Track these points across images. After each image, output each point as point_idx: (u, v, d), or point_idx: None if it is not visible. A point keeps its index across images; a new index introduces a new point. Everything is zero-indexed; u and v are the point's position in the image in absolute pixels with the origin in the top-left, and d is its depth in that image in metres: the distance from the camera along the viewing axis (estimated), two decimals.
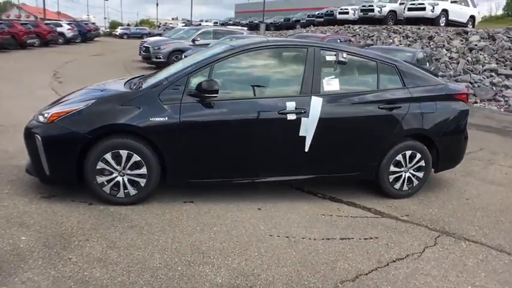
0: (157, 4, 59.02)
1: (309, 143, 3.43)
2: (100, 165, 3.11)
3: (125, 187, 3.21)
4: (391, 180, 3.82)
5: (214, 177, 3.44)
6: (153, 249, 2.67)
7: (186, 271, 2.46)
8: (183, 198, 3.48)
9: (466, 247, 3.04)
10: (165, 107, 3.16)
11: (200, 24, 33.13)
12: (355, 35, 17.59)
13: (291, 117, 3.34)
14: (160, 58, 12.96)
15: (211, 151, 3.34)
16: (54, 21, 27.70)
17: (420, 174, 3.89)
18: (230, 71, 3.52)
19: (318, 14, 25.09)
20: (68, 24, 27.32)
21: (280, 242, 2.91)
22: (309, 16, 26.46)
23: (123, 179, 3.19)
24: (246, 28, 23.05)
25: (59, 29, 24.23)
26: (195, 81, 3.24)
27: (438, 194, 4.10)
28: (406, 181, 3.87)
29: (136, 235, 2.84)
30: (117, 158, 3.13)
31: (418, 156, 3.82)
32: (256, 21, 30.83)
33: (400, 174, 3.84)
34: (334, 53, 3.59)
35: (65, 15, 65.45)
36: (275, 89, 3.57)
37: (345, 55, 3.60)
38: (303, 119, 3.37)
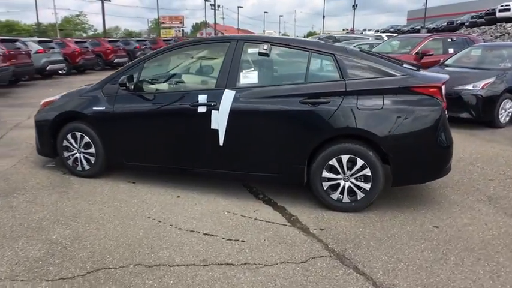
0: (323, 17, 61.13)
1: (223, 136, 3.40)
2: (64, 143, 4.00)
3: (81, 162, 4.01)
4: (325, 188, 3.30)
5: (143, 162, 3.82)
6: (49, 206, 3.31)
7: (44, 223, 3.00)
8: (129, 178, 4.02)
9: (344, 277, 2.44)
10: (105, 98, 3.79)
11: (362, 33, 32.31)
12: (503, 34, 13.85)
13: (202, 109, 3.40)
14: None
15: (139, 138, 3.75)
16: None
17: (366, 186, 3.20)
18: (158, 67, 3.85)
19: (480, 14, 22.60)
20: None
21: (146, 224, 3.08)
22: (472, 18, 24.44)
23: (80, 155, 4.00)
24: (385, 35, 21.15)
25: None
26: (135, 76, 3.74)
27: (394, 214, 3.25)
28: (346, 192, 3.26)
29: (57, 196, 3.56)
30: (75, 138, 3.96)
31: (360, 162, 3.16)
32: (417, 27, 28.58)
33: (338, 182, 3.27)
34: (257, 45, 3.41)
35: (246, 31, 74.25)
36: (195, 83, 3.67)
37: (265, 46, 3.35)
38: (213, 111, 3.37)
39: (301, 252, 2.71)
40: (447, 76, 3.29)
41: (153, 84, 3.76)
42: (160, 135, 3.67)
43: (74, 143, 3.97)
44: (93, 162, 3.95)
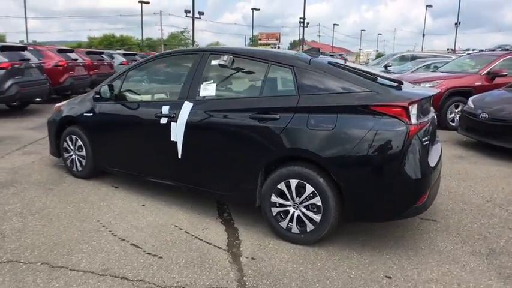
0: (423, 35, 56.43)
1: (181, 149, 3.33)
2: (64, 144, 4.36)
3: (76, 164, 4.30)
4: (274, 214, 2.97)
5: (121, 169, 3.93)
6: (25, 200, 3.59)
7: (8, 214, 3.24)
8: (117, 183, 4.17)
9: None
10: (93, 104, 4.04)
11: (465, 52, 29.08)
12: None
13: (163, 120, 3.38)
14: None
15: (117, 145, 3.88)
16: None
17: (316, 217, 2.79)
18: (138, 78, 3.94)
19: None
20: None
21: (89, 227, 3.13)
22: None
23: (75, 157, 4.30)
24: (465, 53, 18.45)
25: None
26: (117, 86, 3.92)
27: (350, 254, 2.75)
28: (295, 221, 2.89)
29: (41, 191, 3.86)
30: (71, 141, 4.27)
31: (310, 189, 2.77)
32: None
33: (287, 209, 2.92)
34: (219, 56, 3.28)
35: (342, 49, 72.98)
36: (164, 94, 3.66)
37: (225, 58, 3.20)
38: (172, 123, 3.33)
39: (209, 279, 2.46)
40: (424, 93, 2.75)
41: (129, 93, 3.88)
42: (132, 143, 3.75)
43: (70, 145, 4.30)
44: (84, 164, 4.22)
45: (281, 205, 2.93)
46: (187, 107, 3.28)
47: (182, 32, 78.25)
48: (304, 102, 2.81)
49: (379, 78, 2.90)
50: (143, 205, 3.65)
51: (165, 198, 3.76)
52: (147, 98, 3.88)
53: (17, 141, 5.98)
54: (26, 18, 32.98)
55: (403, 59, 12.99)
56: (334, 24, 74.51)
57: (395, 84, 2.84)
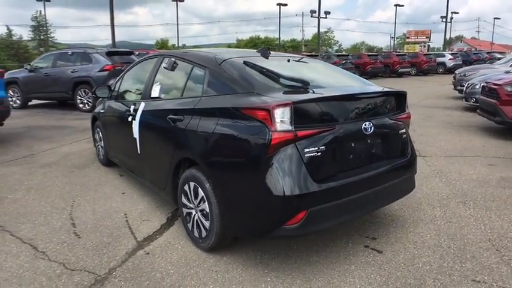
0: None
1: (138, 145, 3.66)
2: (95, 135, 5.22)
3: (100, 152, 5.08)
4: (184, 215, 3.03)
5: (117, 160, 4.50)
6: (38, 177, 4.47)
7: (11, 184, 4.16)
8: (123, 172, 4.78)
9: None
10: (104, 103, 4.71)
11: None
12: None
13: (129, 119, 3.76)
14: (463, 86, 11.05)
15: (112, 139, 4.50)
16: (437, 53, 29.99)
17: (206, 223, 2.74)
18: (128, 78, 4.35)
19: None
20: (451, 54, 27.90)
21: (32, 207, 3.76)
22: None
23: (98, 146, 5.10)
24: None
25: (440, 59, 25.93)
26: (117, 86, 4.51)
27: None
28: (195, 224, 2.89)
29: (67, 171, 4.73)
30: (98, 133, 5.07)
31: (201, 193, 2.75)
32: None
33: (191, 211, 2.93)
34: (167, 60, 3.44)
35: (504, 46, 60.95)
36: (137, 94, 3.96)
37: (166, 61, 3.37)
38: (133, 121, 3.68)
39: (90, 263, 2.69)
40: (297, 98, 2.34)
41: (121, 93, 4.38)
42: (118, 139, 4.29)
43: (97, 136, 5.12)
44: (103, 153, 4.98)
45: (186, 206, 2.97)
46: (142, 106, 3.59)
47: (326, 32, 78.27)
48: (200, 104, 2.78)
49: (283, 79, 2.62)
50: (123, 193, 4.12)
51: (148, 190, 4.13)
52: (127, 97, 4.32)
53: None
54: (178, 23, 38.37)
55: None
56: (494, 18, 62.81)
57: (299, 85, 2.54)
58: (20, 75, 10.58)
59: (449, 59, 26.18)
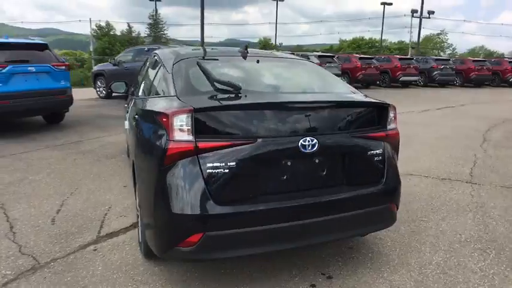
0: None
1: (129, 142, 3.79)
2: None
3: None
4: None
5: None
6: (53, 161, 4.93)
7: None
8: None
9: None
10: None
11: None
12: None
13: (126, 115, 3.91)
14: None
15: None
16: None
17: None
18: (140, 76, 4.45)
19: None
20: None
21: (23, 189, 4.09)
22: None
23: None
24: None
25: None
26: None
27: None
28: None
29: (92, 162, 5.15)
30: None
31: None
32: None
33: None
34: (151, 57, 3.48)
35: None
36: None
37: (150, 59, 3.39)
38: (126, 117, 3.81)
39: (28, 250, 2.85)
40: (202, 104, 2.09)
41: (130, 91, 4.55)
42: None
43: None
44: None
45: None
46: (131, 103, 3.70)
47: (438, 34, 71.24)
48: (144, 105, 2.76)
49: (219, 82, 2.38)
50: (124, 186, 4.31)
51: None
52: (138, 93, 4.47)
53: None
54: (276, 23, 38.87)
55: None
56: None
57: (231, 88, 2.30)
58: (106, 68, 11.91)
59: None
